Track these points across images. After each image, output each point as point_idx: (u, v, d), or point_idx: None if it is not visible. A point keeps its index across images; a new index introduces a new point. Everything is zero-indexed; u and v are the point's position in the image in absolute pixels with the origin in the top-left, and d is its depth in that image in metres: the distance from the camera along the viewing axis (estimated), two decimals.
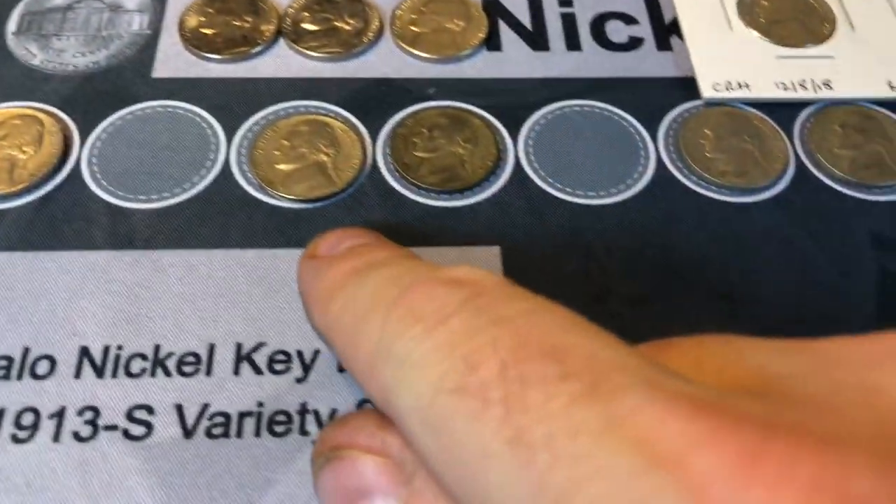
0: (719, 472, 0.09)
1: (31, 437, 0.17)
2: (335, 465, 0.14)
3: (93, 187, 0.21)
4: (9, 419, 0.17)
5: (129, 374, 0.18)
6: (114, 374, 0.18)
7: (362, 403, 0.18)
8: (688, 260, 0.20)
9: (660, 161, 0.22)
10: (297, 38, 0.24)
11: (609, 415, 0.10)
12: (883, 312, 0.20)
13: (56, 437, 0.17)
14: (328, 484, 0.14)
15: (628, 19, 0.26)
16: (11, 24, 0.24)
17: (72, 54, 0.23)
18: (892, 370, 0.11)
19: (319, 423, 0.17)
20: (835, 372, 0.11)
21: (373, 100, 0.23)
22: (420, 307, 0.12)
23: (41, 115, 0.22)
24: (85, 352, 0.18)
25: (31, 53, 0.23)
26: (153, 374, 0.18)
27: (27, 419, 0.17)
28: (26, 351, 0.18)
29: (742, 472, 0.09)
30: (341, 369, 0.18)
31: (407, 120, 0.22)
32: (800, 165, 0.22)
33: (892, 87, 0.24)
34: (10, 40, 0.24)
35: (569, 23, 0.25)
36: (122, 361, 0.18)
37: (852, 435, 0.10)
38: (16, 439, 0.17)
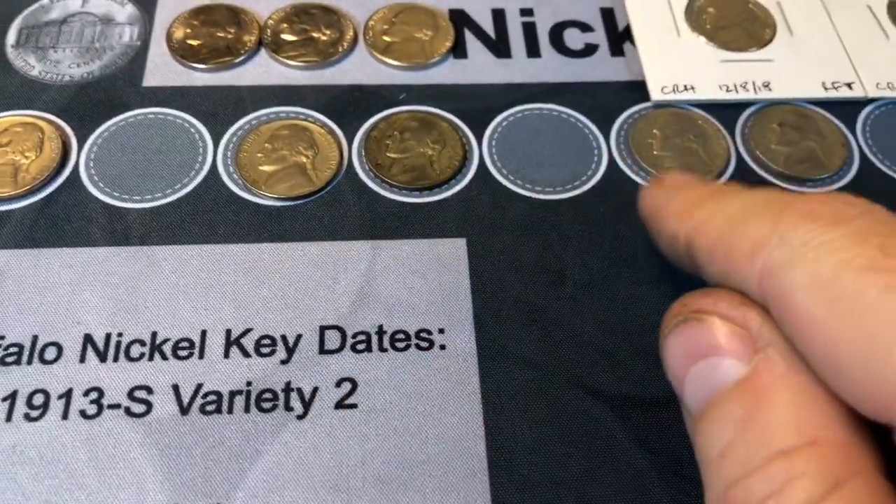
0: None
1: (41, 415, 0.19)
2: (692, 325, 0.15)
3: (91, 189, 0.23)
4: (21, 400, 0.19)
5: (130, 359, 0.20)
6: (115, 359, 0.20)
7: (341, 382, 0.20)
8: (636, 248, 0.22)
9: (612, 159, 0.24)
10: (277, 48, 0.26)
11: None
12: None
13: (65, 416, 0.19)
14: (682, 339, 0.15)
15: (585, 27, 0.27)
16: (10, 38, 0.26)
17: (67, 65, 0.25)
18: None
19: (303, 400, 0.19)
20: None
21: (348, 105, 0.25)
22: (816, 211, 0.14)
23: (41, 123, 0.24)
24: (88, 339, 0.20)
25: (30, 65, 0.25)
26: (151, 357, 0.20)
27: (38, 400, 0.19)
28: (35, 339, 0.20)
29: None
30: (322, 352, 0.20)
31: (380, 123, 0.24)
32: (740, 161, 0.24)
33: (826, 88, 0.26)
34: (10, 53, 0.25)
35: (529, 31, 0.27)
36: (123, 347, 0.20)
37: None
38: (28, 418, 0.19)
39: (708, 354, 0.15)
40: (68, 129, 0.24)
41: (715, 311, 0.15)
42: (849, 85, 0.26)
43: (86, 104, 0.24)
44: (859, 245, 0.13)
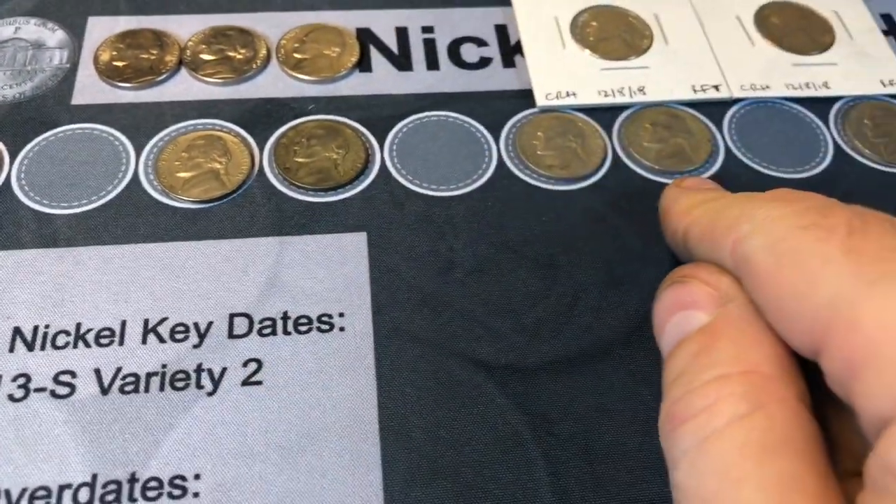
0: None
1: None
2: (678, 286, 0.19)
3: (21, 198, 0.25)
4: None
5: (55, 347, 0.22)
6: (42, 348, 0.22)
7: (247, 363, 0.22)
8: (520, 237, 0.25)
9: (500, 159, 0.27)
10: (196, 66, 0.28)
11: None
12: None
13: None
14: (668, 296, 0.19)
15: (480, 42, 0.30)
16: None
17: (0, 86, 0.27)
18: None
19: (212, 379, 0.21)
20: None
21: (261, 116, 0.27)
22: (779, 195, 0.18)
23: None
24: (17, 331, 0.22)
25: None
26: (75, 346, 0.22)
27: None
28: None
29: None
30: (231, 336, 0.22)
31: (289, 132, 0.27)
32: (615, 158, 0.27)
33: (695, 90, 0.29)
34: None
35: (430, 47, 0.30)
36: (50, 337, 0.22)
37: None
38: None
39: (685, 307, 0.18)
40: (1, 145, 0.26)
41: (695, 276, 0.19)
42: (716, 87, 0.29)
43: (18, 122, 0.26)
44: (805, 213, 0.16)
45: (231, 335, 0.22)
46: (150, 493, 0.20)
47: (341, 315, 0.23)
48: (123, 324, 0.22)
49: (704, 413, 0.15)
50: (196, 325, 0.22)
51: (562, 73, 0.29)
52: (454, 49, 0.30)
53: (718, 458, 0.15)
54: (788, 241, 0.16)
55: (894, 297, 0.14)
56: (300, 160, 0.26)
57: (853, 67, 0.29)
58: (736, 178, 0.27)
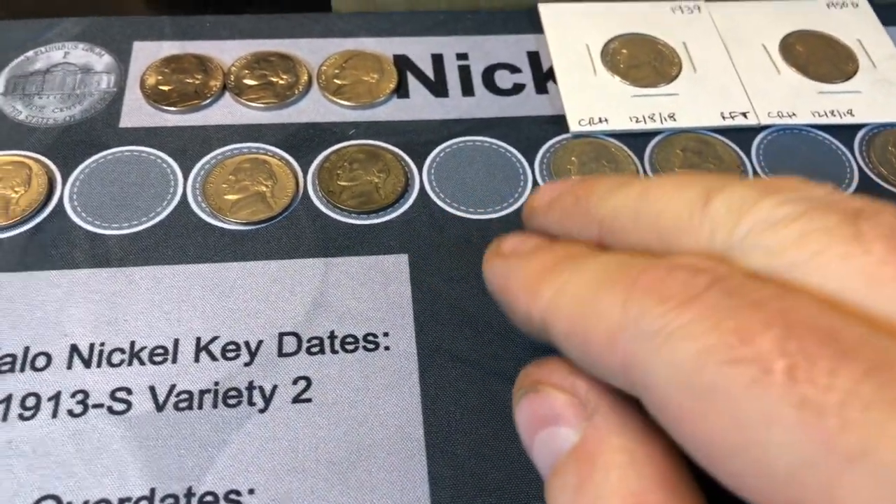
0: None
1: (33, 415, 0.22)
2: (532, 397, 0.16)
3: (74, 218, 0.26)
4: (16, 402, 0.22)
5: (111, 364, 0.23)
6: (98, 365, 0.23)
7: (297, 381, 0.23)
8: None
9: (535, 183, 0.27)
10: (240, 91, 0.29)
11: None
12: None
13: (54, 415, 0.22)
14: (525, 410, 0.16)
15: (513, 69, 0.31)
16: None
17: (51, 110, 0.28)
18: None
19: (264, 397, 0.22)
20: None
21: (303, 140, 0.28)
22: (665, 287, 0.13)
23: (29, 162, 0.26)
24: (74, 348, 0.23)
25: (18, 110, 0.28)
26: (130, 363, 0.23)
27: (30, 402, 0.22)
28: (27, 349, 0.23)
29: None
30: (281, 354, 0.23)
31: (331, 156, 0.27)
32: None
33: (724, 117, 0.29)
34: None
35: (465, 73, 0.31)
36: (105, 355, 0.23)
37: None
38: (22, 417, 0.21)
39: (547, 424, 0.15)
40: (53, 167, 0.27)
41: (549, 382, 0.16)
42: (744, 114, 0.29)
43: (68, 144, 0.27)
44: (713, 331, 0.12)
45: (281, 353, 0.23)
46: None
47: (386, 334, 0.24)
48: (176, 342, 0.23)
49: None
50: (247, 343, 0.23)
51: (594, 100, 0.29)
52: (488, 75, 0.31)
53: None
54: (707, 379, 0.12)
55: (885, 480, 0.10)
56: (343, 183, 0.27)
57: (877, 95, 0.30)
58: None
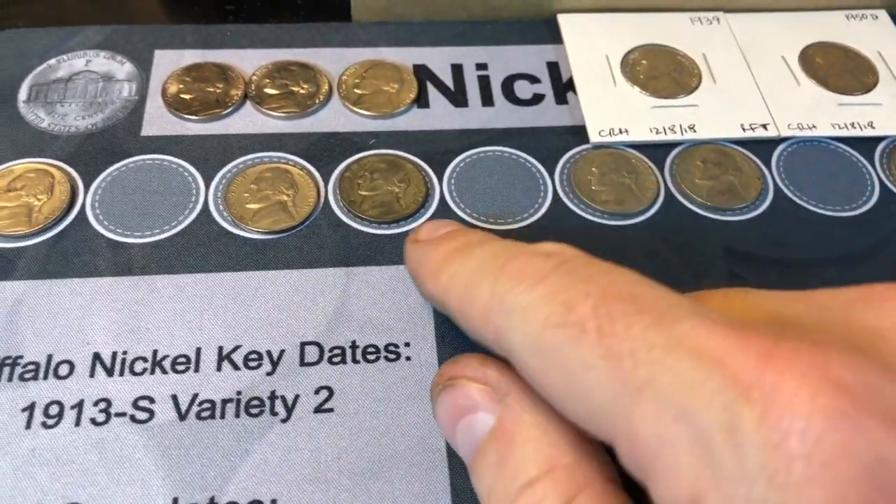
0: (746, 365, 0.13)
1: (57, 423, 0.22)
2: (449, 391, 0.19)
3: (97, 227, 0.26)
4: (39, 410, 0.22)
5: (133, 373, 0.23)
6: (121, 373, 0.23)
7: (319, 390, 0.23)
8: None
9: (556, 194, 0.27)
10: (261, 100, 0.29)
11: (672, 334, 0.14)
12: None
13: (77, 423, 0.22)
14: (445, 403, 0.19)
15: (533, 79, 0.31)
16: (22, 94, 0.29)
17: (74, 118, 0.28)
18: (864, 308, 0.15)
19: (286, 406, 0.22)
20: (824, 312, 0.16)
21: (324, 150, 0.28)
22: (522, 271, 0.17)
23: (51, 169, 0.27)
24: (97, 356, 0.23)
25: (40, 118, 0.28)
26: (153, 372, 0.23)
27: (53, 410, 0.22)
28: (49, 357, 0.23)
29: (761, 364, 0.13)
30: (303, 364, 0.23)
31: (352, 165, 0.27)
32: (668, 194, 0.28)
33: (744, 129, 0.29)
34: (22, 107, 0.28)
35: (484, 83, 0.31)
36: (128, 363, 0.23)
37: (833, 343, 0.14)
38: (45, 425, 0.22)
39: (465, 413, 0.18)
40: (75, 174, 0.27)
41: (463, 375, 0.19)
42: (764, 126, 0.29)
43: (90, 152, 0.27)
44: (551, 303, 0.16)
45: (303, 363, 0.23)
46: None
47: (407, 344, 0.24)
48: (198, 351, 0.23)
49: None
50: (269, 352, 0.23)
51: (614, 111, 0.29)
52: (508, 85, 0.31)
53: None
54: (546, 341, 0.15)
55: (663, 406, 0.14)
56: (364, 193, 0.27)
57: None
58: (785, 215, 0.27)
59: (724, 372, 0.13)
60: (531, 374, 0.16)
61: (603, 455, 0.17)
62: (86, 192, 0.26)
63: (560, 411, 0.16)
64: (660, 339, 0.14)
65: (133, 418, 0.22)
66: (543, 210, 0.27)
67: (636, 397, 0.14)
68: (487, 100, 0.30)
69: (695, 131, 0.29)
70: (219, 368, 0.23)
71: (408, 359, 0.23)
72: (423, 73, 0.31)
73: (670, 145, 0.29)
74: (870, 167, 0.29)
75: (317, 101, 0.29)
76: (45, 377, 0.22)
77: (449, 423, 0.19)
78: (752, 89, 0.31)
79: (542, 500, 0.16)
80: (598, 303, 0.15)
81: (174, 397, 0.22)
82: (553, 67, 0.31)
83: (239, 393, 0.22)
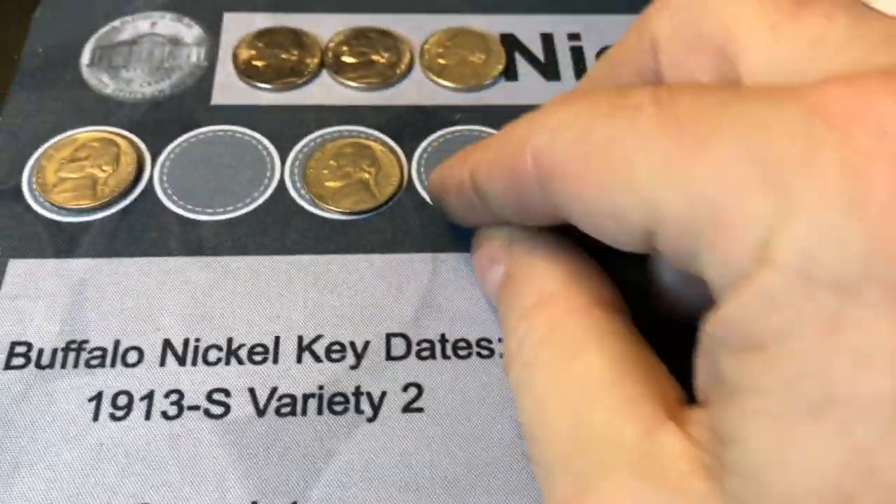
0: (826, 94, 0.12)
1: (126, 415, 0.20)
2: (476, 252, 0.21)
3: (165, 202, 0.24)
4: (106, 401, 0.20)
5: (207, 363, 0.21)
6: (194, 363, 0.21)
7: (407, 387, 0.21)
8: None
9: None
10: (338, 69, 0.27)
11: (739, 89, 0.14)
12: None
13: (147, 416, 0.20)
14: (475, 262, 0.21)
15: None
16: (85, 57, 0.27)
17: (139, 84, 0.26)
18: None
19: (372, 404, 0.20)
20: None
21: (407, 125, 0.26)
22: (567, 98, 0.16)
23: (116, 139, 0.25)
24: (168, 343, 0.21)
25: (104, 83, 0.26)
26: (228, 362, 0.21)
27: (122, 401, 0.20)
28: (117, 343, 0.21)
29: (842, 91, 0.12)
30: (389, 358, 0.21)
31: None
32: None
33: None
34: (85, 71, 0.27)
35: (577, 55, 0.28)
36: (201, 352, 0.21)
37: None
38: (113, 417, 0.20)
39: (490, 265, 0.20)
40: (142, 145, 0.25)
41: (490, 234, 0.21)
42: None
43: (158, 121, 0.26)
44: (603, 102, 0.15)
45: (389, 357, 0.21)
46: None
47: (501, 340, 0.22)
48: (277, 340, 0.21)
49: (516, 352, 0.17)
50: (352, 344, 0.21)
51: None
52: None
53: (529, 387, 0.17)
54: (593, 133, 0.14)
55: (730, 149, 0.12)
56: None
57: None
58: None
59: (801, 103, 0.12)
60: (570, 180, 0.15)
61: (596, 284, 0.18)
62: (153, 164, 0.25)
63: (597, 218, 0.15)
64: (726, 96, 0.13)
65: (207, 412, 0.20)
66: None
67: (698, 151, 0.13)
68: (581, 73, 0.28)
69: None
70: (299, 360, 0.21)
71: (502, 355, 0.21)
72: (510, 43, 0.28)
73: None
74: None
75: (398, 72, 0.27)
76: (113, 364, 0.21)
77: (480, 275, 0.21)
78: None
79: (533, 326, 0.17)
80: (658, 88, 0.14)
81: (251, 390, 0.20)
82: None
83: (321, 387, 0.21)
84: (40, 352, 0.21)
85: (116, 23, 0.28)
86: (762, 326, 0.12)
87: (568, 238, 0.19)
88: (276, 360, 0.21)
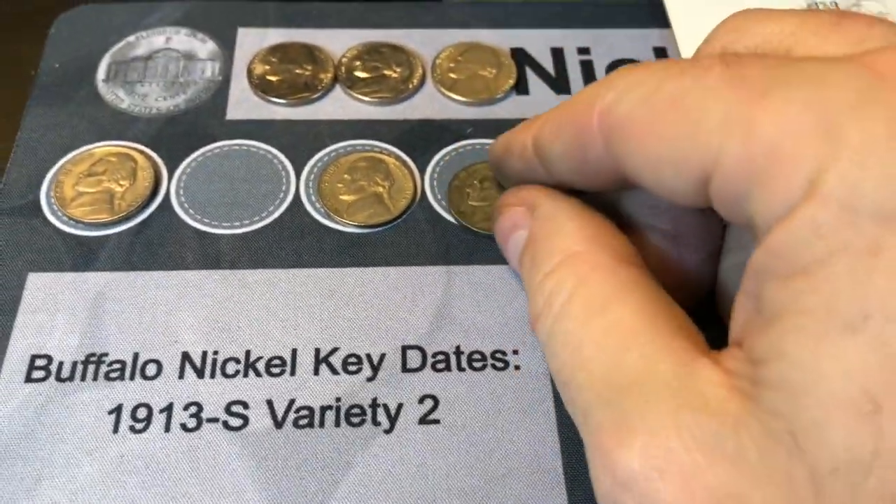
0: (881, 56, 0.14)
1: (145, 427, 0.20)
2: (500, 217, 0.21)
3: (182, 215, 0.24)
4: (126, 413, 0.20)
5: (225, 375, 0.21)
6: (212, 375, 0.21)
7: (424, 399, 0.21)
8: None
9: None
10: (351, 84, 0.27)
11: (801, 59, 0.15)
12: None
13: (167, 428, 0.20)
14: (497, 228, 0.22)
15: None
16: (101, 73, 0.27)
17: (154, 98, 0.27)
18: None
19: (389, 416, 0.21)
20: None
21: (419, 138, 0.26)
22: (634, 66, 0.17)
23: (133, 153, 0.25)
24: (186, 356, 0.21)
25: (120, 98, 0.27)
26: (246, 374, 0.21)
27: (141, 413, 0.20)
28: (136, 356, 0.21)
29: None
30: (405, 370, 0.21)
31: (460, 173, 0.25)
32: None
33: None
34: (101, 87, 0.27)
35: (587, 69, 0.29)
36: (219, 364, 0.21)
37: None
38: (133, 430, 0.20)
39: (511, 231, 0.21)
40: (158, 159, 0.25)
41: (507, 203, 0.21)
42: None
43: (173, 135, 0.26)
44: (673, 64, 0.16)
45: (405, 369, 0.21)
46: None
47: (515, 352, 0.22)
48: (294, 352, 0.22)
49: (545, 307, 0.18)
50: (368, 356, 0.22)
51: None
52: (612, 71, 0.28)
53: (562, 337, 0.17)
54: (663, 89, 0.15)
55: (790, 98, 0.14)
56: (475, 204, 0.24)
57: None
58: None
59: (856, 63, 0.14)
60: (636, 132, 0.16)
61: (617, 243, 0.18)
62: (170, 179, 0.25)
63: (659, 170, 0.16)
64: (788, 60, 0.15)
65: (226, 424, 0.20)
66: None
67: (760, 100, 0.14)
68: None
69: None
70: (316, 372, 0.21)
71: (517, 367, 0.22)
72: (521, 57, 0.29)
73: None
74: None
75: (410, 86, 0.27)
76: (132, 377, 0.21)
77: (503, 241, 0.22)
78: None
79: (555, 285, 0.18)
80: (725, 53, 0.16)
81: (269, 402, 0.21)
82: (660, 53, 0.29)
83: (338, 399, 0.21)
84: (60, 364, 0.21)
85: (131, 38, 0.28)
86: (807, 252, 0.13)
87: (588, 203, 0.20)
88: (293, 373, 0.21)
